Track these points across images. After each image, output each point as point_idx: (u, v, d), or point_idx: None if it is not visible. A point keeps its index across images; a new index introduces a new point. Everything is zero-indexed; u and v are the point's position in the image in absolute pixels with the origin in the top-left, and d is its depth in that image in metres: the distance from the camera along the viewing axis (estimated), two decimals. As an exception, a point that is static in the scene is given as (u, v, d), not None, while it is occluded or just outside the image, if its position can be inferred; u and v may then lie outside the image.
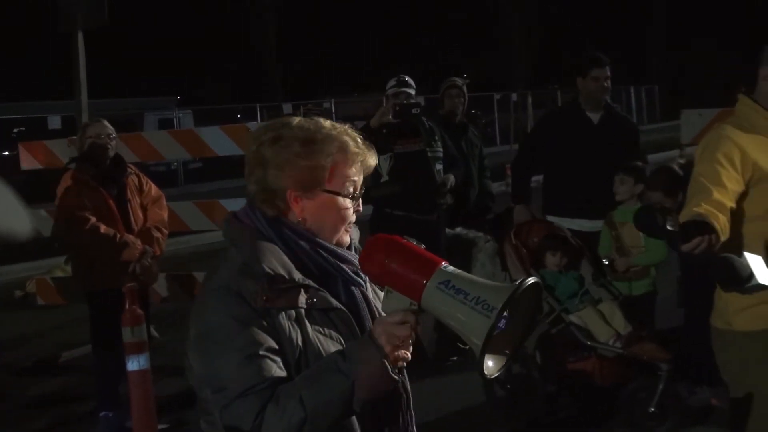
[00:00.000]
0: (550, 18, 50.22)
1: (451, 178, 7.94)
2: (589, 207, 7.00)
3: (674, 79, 50.90)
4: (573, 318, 6.35)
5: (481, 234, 7.76)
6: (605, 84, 7.24)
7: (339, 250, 2.61)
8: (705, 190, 3.78)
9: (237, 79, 48.50)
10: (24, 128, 28.92)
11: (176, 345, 9.37)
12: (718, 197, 3.74)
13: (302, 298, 2.49)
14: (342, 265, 2.60)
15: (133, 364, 6.32)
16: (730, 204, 3.76)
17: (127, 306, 6.33)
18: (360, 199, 2.65)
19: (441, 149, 7.96)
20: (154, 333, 8.71)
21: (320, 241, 2.58)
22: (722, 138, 3.93)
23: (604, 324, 6.27)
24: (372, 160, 2.65)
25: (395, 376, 2.39)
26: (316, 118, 2.66)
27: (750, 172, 3.85)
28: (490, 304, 2.21)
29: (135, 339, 6.33)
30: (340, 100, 36.80)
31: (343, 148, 2.59)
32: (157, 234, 7.10)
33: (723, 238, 3.65)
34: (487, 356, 2.30)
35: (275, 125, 2.63)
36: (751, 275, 3.27)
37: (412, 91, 8.05)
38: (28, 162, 8.92)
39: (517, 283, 2.27)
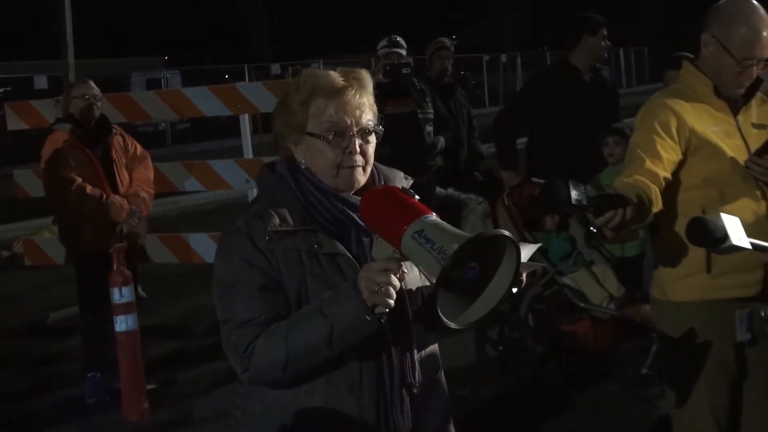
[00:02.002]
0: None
1: (441, 140, 7.91)
2: (580, 169, 6.95)
3: (664, 41, 50.73)
4: (566, 280, 6.34)
5: (472, 195, 7.75)
6: (608, 43, 7.30)
7: (350, 198, 2.65)
8: (639, 160, 3.72)
9: (225, 40, 48.24)
10: (10, 88, 28.76)
11: (164, 305, 9.43)
12: (651, 167, 3.67)
13: (307, 242, 2.58)
14: (352, 214, 2.63)
15: (121, 324, 6.32)
16: (665, 174, 3.70)
17: (114, 267, 6.32)
18: (356, 139, 2.62)
19: (431, 111, 7.93)
20: (142, 294, 8.70)
21: (330, 189, 2.64)
22: (660, 106, 3.86)
23: (597, 286, 6.27)
24: (354, 96, 2.63)
25: (373, 321, 2.44)
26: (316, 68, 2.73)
27: (687, 140, 3.78)
28: (447, 252, 2.22)
29: (123, 300, 6.32)
30: (329, 60, 36.59)
31: (319, 91, 2.62)
32: (144, 194, 7.05)
33: (655, 209, 3.62)
34: (458, 310, 2.33)
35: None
36: (726, 236, 3.20)
37: (404, 52, 8.01)
38: (14, 122, 8.84)
39: (480, 233, 2.27)
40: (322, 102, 2.61)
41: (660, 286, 4.01)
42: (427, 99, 7.89)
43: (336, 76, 2.64)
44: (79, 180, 6.68)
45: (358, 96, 2.63)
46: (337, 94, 2.61)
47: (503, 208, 6.65)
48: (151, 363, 7.13)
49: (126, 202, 6.88)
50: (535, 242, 6.40)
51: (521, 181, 6.99)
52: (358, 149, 2.62)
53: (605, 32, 7.22)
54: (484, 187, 8.01)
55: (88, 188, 6.70)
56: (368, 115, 2.66)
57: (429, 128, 7.84)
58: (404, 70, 7.66)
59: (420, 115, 7.76)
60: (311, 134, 2.62)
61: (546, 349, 6.70)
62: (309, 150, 2.64)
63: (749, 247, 3.26)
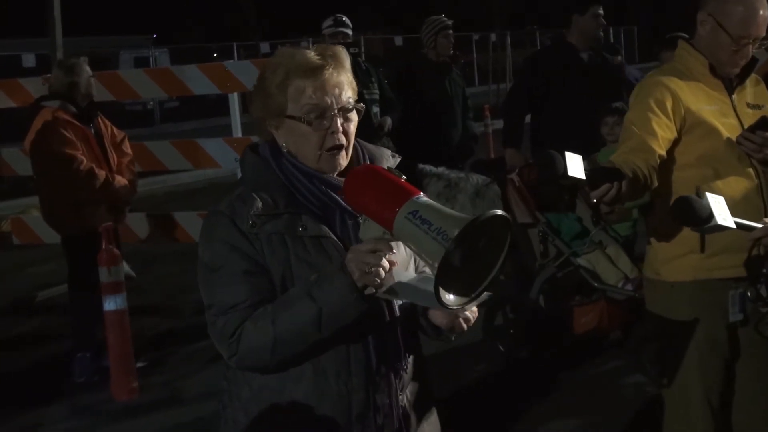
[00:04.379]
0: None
1: (388, 121, 7.94)
2: (583, 149, 6.92)
3: (655, 20, 50.74)
4: (582, 261, 6.32)
5: (463, 174, 7.73)
6: (602, 21, 7.28)
7: (334, 180, 2.60)
8: (634, 137, 3.73)
9: (214, 18, 48.03)
10: (-2, 66, 28.61)
11: (153, 285, 9.42)
12: (646, 144, 3.67)
13: (291, 225, 2.55)
14: (336, 196, 2.59)
15: (110, 304, 6.30)
16: (660, 151, 3.70)
17: (103, 246, 6.28)
18: (337, 118, 2.58)
19: (377, 91, 7.96)
20: (131, 273, 8.68)
21: (313, 171, 2.60)
22: (655, 84, 3.86)
23: (612, 267, 6.25)
24: (332, 74, 2.58)
25: (362, 302, 2.42)
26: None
27: (682, 118, 3.78)
28: (448, 233, 2.20)
29: (112, 279, 6.30)
30: (318, 39, 36.49)
31: (295, 71, 2.57)
32: (131, 175, 7.06)
33: (651, 186, 3.63)
34: (450, 291, 2.29)
35: None
36: (711, 216, 3.21)
37: (350, 31, 8.05)
38: (1, 101, 8.79)
39: (479, 214, 2.24)
40: (299, 83, 2.56)
41: (653, 266, 4.01)
42: (373, 80, 7.92)
43: (312, 55, 2.59)
44: (85, 160, 6.64)
45: (336, 74, 2.59)
46: (314, 73, 2.56)
47: (514, 189, 6.60)
48: (141, 342, 7.13)
49: (126, 182, 6.90)
50: (548, 222, 6.44)
51: (530, 162, 6.94)
52: (340, 128, 2.59)
53: (598, 11, 7.20)
54: (491, 169, 7.97)
55: (96, 169, 6.66)
56: (348, 93, 2.62)
57: (375, 109, 7.85)
58: (351, 50, 7.66)
59: (366, 96, 7.75)
60: (292, 117, 2.58)
61: (551, 330, 6.69)
62: (290, 133, 2.60)
63: (733, 226, 3.27)
